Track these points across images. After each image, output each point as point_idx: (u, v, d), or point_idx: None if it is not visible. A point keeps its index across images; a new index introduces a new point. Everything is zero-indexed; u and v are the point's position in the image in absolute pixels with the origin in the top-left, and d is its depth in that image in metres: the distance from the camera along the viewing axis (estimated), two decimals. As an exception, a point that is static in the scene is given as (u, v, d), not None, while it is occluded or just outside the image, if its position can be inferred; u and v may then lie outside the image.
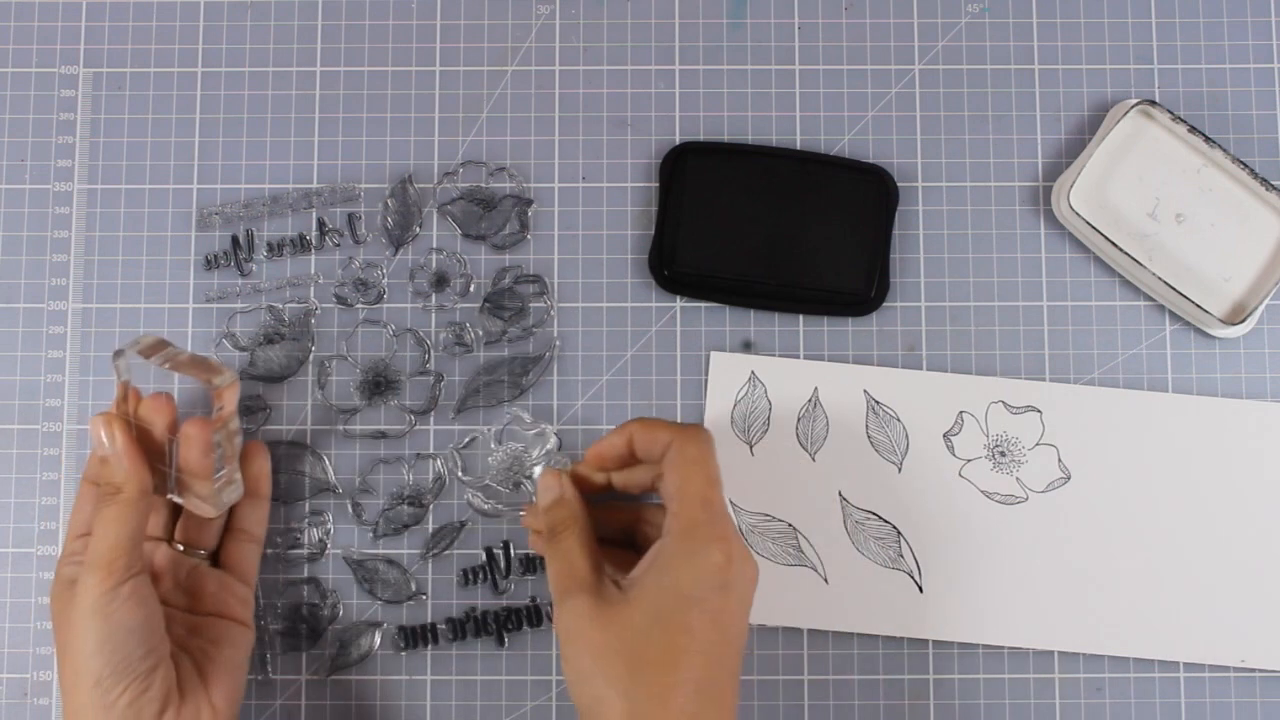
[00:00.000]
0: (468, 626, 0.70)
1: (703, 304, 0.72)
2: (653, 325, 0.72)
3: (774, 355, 0.71)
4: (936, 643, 0.70)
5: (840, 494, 0.70)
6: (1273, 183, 0.70)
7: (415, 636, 0.70)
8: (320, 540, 0.71)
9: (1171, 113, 0.70)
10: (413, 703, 0.70)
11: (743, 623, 0.58)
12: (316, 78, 0.74)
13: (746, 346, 0.72)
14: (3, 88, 0.74)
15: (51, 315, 0.72)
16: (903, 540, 0.70)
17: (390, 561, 0.71)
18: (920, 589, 0.70)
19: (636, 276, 0.72)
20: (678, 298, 0.72)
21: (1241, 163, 0.70)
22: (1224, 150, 0.70)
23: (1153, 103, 0.70)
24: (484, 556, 0.71)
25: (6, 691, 0.70)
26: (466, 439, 0.71)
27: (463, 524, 0.71)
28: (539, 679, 0.70)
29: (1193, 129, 0.70)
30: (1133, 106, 0.70)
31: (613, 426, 0.71)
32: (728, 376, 0.71)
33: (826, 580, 0.70)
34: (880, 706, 0.69)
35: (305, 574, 0.71)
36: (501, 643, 0.70)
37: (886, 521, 0.70)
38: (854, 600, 0.70)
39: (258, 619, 0.70)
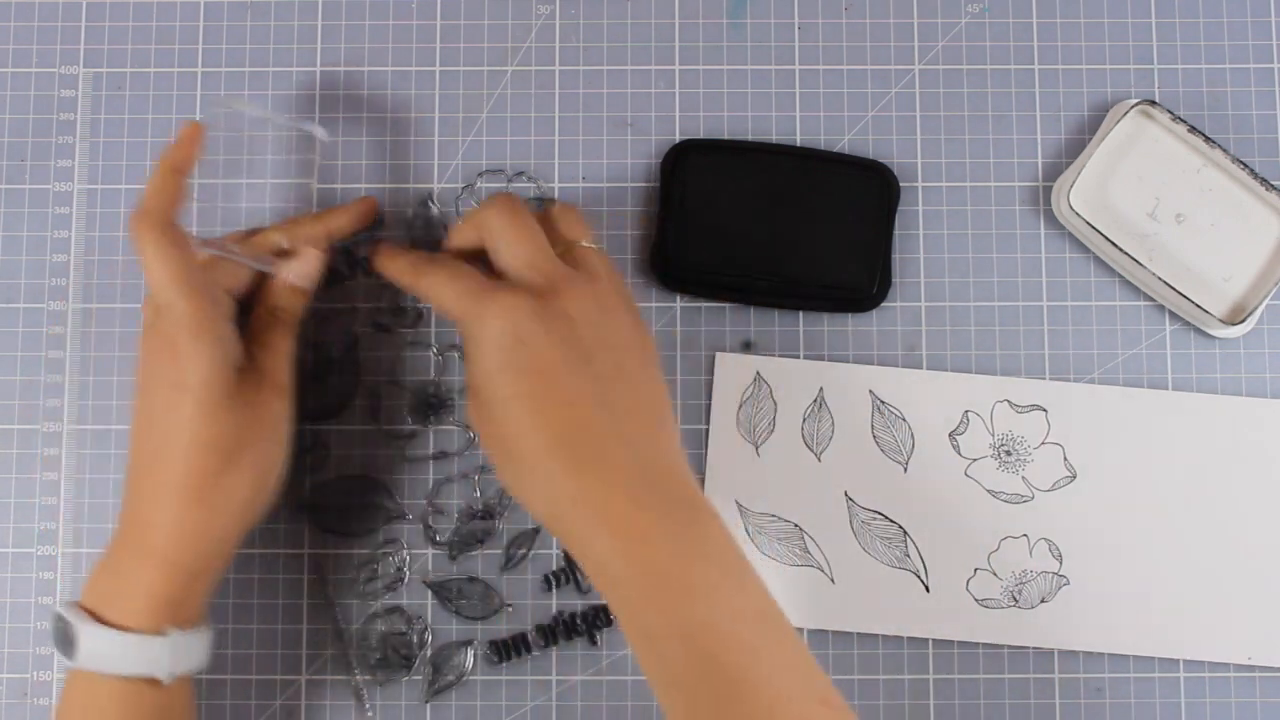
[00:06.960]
0: (558, 631, 0.70)
1: (703, 303, 0.72)
2: (652, 326, 0.72)
3: (775, 355, 0.71)
4: (936, 642, 0.70)
5: (846, 494, 0.70)
6: (1273, 183, 0.70)
7: (508, 649, 0.70)
8: (398, 569, 0.70)
9: (1171, 113, 0.70)
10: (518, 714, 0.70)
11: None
12: (317, 78, 0.74)
13: (747, 346, 0.72)
14: (3, 88, 0.73)
15: (51, 315, 0.72)
16: (909, 540, 0.70)
17: (471, 579, 0.70)
18: (926, 588, 0.70)
19: (637, 277, 0.72)
20: (678, 298, 0.72)
21: (1241, 163, 0.70)
22: (1224, 150, 0.70)
23: (1153, 103, 0.71)
24: (564, 559, 0.71)
25: (6, 691, 0.70)
26: None
27: (536, 530, 0.71)
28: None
29: (1193, 129, 0.70)
30: (1133, 106, 0.71)
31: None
32: (733, 377, 0.71)
33: (833, 580, 0.70)
34: (880, 706, 0.69)
35: (389, 604, 0.70)
36: (594, 642, 0.70)
37: (893, 521, 0.70)
38: (861, 600, 0.70)
39: (347, 656, 0.70)
